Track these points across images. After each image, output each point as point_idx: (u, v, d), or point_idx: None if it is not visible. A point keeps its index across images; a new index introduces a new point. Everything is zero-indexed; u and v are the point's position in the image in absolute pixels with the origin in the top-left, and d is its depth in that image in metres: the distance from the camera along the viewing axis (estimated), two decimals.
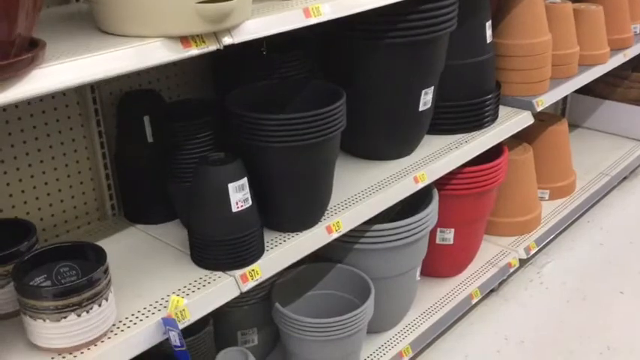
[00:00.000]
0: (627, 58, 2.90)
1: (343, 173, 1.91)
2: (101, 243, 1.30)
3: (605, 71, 2.76)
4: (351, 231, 1.78)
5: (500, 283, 2.62)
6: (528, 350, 2.30)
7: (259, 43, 1.75)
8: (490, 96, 2.18)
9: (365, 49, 1.79)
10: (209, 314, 1.73)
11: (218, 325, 1.84)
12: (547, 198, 2.90)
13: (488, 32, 2.12)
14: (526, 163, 2.62)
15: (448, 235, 2.32)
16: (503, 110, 2.33)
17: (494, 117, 2.25)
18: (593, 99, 3.57)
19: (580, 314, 2.47)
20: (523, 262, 2.66)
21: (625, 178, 3.34)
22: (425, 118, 1.99)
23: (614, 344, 2.29)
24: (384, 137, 1.96)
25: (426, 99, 1.91)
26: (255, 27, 1.33)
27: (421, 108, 1.91)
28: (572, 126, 3.67)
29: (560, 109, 3.69)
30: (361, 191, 1.83)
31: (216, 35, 1.27)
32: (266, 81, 1.72)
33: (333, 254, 1.98)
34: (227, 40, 1.29)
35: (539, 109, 2.35)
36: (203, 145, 1.57)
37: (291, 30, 1.42)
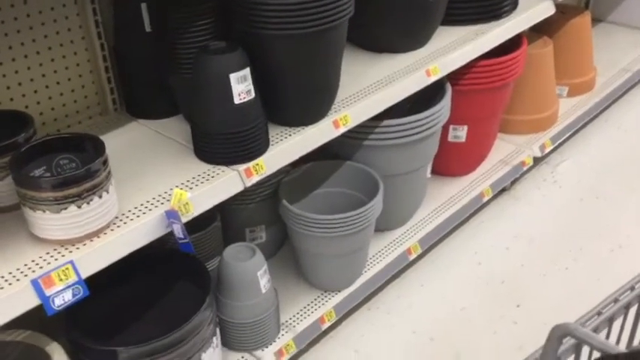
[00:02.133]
0: None
1: (352, 66, 1.84)
2: (102, 137, 1.26)
3: None
4: (359, 126, 1.73)
5: (513, 182, 2.58)
6: (537, 247, 2.30)
7: None
8: None
9: None
10: (216, 211, 1.73)
11: (226, 222, 1.83)
12: (565, 95, 2.80)
13: None
14: (545, 57, 2.51)
15: (461, 133, 2.26)
16: None
17: (514, 6, 2.13)
18: None
19: (593, 213, 2.44)
20: (537, 161, 2.61)
21: None
22: (438, 8, 1.88)
23: (625, 242, 2.27)
24: (394, 28, 1.86)
25: None
26: None
27: None
28: (596, 20, 3.51)
29: (584, 2, 3.50)
30: (370, 85, 1.76)
31: None
32: None
33: (341, 151, 1.94)
34: None
35: None
36: (204, 34, 1.50)
37: None
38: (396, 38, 1.89)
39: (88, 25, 1.60)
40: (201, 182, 1.41)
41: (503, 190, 2.54)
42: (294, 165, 1.75)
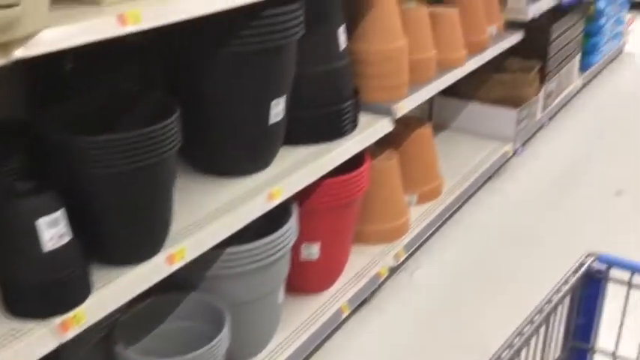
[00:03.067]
0: (484, 61, 2.93)
1: (189, 193, 1.75)
2: None
3: (463, 74, 2.77)
4: (201, 256, 1.63)
5: (374, 292, 2.55)
6: (404, 356, 2.25)
7: (82, 53, 1.55)
8: (348, 103, 2.09)
9: (202, 58, 1.64)
10: None
11: None
12: (415, 202, 2.87)
13: (342, 38, 2.03)
14: (391, 169, 2.57)
15: (314, 250, 2.22)
16: (363, 117, 2.25)
17: (354, 125, 2.17)
18: (458, 101, 3.61)
19: (453, 318, 2.45)
20: (394, 270, 2.61)
21: (490, 178, 3.39)
22: (277, 130, 1.86)
23: (489, 348, 2.28)
24: (234, 153, 1.81)
25: (277, 110, 1.79)
26: (54, 37, 1.15)
27: (272, 120, 1.78)
28: (440, 128, 3.71)
29: (427, 112, 3.71)
30: (209, 212, 1.67)
31: (3, 47, 1.07)
32: (90, 96, 1.53)
33: (186, 281, 1.82)
34: (19, 53, 1.10)
35: (399, 114, 2.29)
36: (11, 173, 1.36)
37: (124, 37, 1.25)
38: (236, 162, 1.84)
39: None
40: (9, 342, 1.23)
41: (364, 301, 2.50)
42: (133, 301, 1.60)
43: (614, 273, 1.24)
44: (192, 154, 1.76)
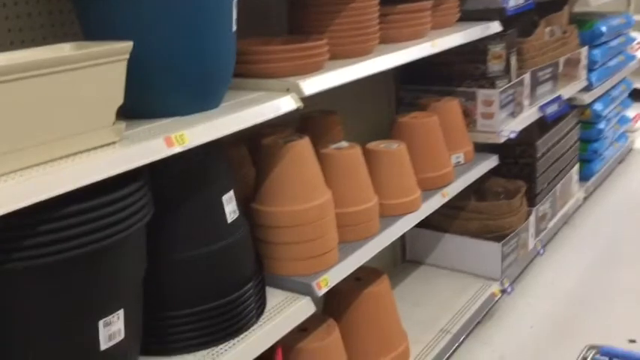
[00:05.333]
0: (447, 198, 2.45)
1: None
2: None
3: (418, 220, 2.28)
4: None
5: None
6: None
7: None
8: (245, 289, 1.61)
9: None
10: None
11: None
12: None
13: (229, 208, 1.58)
14: (329, 349, 2.04)
15: None
16: (274, 298, 1.77)
17: (258, 313, 1.68)
18: (432, 233, 3.11)
19: None
20: None
21: (471, 332, 2.83)
22: (117, 354, 1.36)
23: None
24: None
25: (112, 330, 1.30)
26: None
27: (105, 345, 1.29)
28: (415, 263, 3.19)
29: (400, 246, 3.21)
30: None
31: None
32: None
33: None
34: None
35: (322, 291, 1.80)
36: None
37: None
38: None
39: None
40: None
41: None
42: None
43: None
44: None
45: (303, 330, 2.07)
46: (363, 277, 2.38)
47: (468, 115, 2.84)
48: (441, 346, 2.54)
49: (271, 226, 1.79)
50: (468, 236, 3.02)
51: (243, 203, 1.84)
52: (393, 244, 3.06)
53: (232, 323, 1.59)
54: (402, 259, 3.24)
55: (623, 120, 4.78)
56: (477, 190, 3.21)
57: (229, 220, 1.57)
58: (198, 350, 1.54)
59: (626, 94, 4.73)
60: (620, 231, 3.80)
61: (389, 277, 3.07)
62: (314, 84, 1.70)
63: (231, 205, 1.58)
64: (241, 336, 1.61)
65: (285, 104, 1.58)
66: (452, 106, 2.71)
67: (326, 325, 2.12)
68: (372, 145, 2.24)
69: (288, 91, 1.63)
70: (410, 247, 3.22)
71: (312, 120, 2.31)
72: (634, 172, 4.76)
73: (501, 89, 2.80)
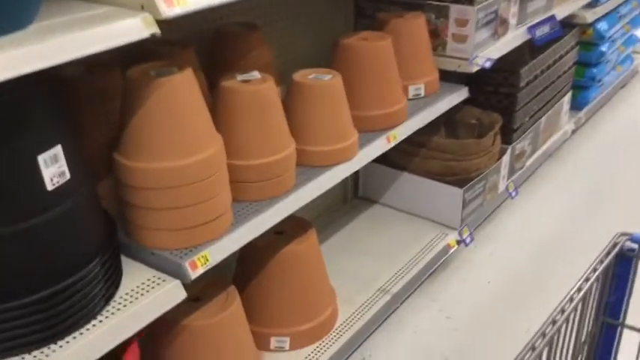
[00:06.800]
0: (394, 142, 2.01)
1: None
2: None
3: (352, 171, 1.85)
4: None
5: None
6: None
7: None
8: (78, 276, 1.22)
9: None
10: None
11: None
12: (287, 348, 1.99)
13: (52, 170, 1.15)
14: (223, 325, 1.68)
15: None
16: (134, 279, 1.38)
17: (103, 301, 1.29)
18: (389, 170, 2.70)
19: None
20: None
21: (422, 283, 2.48)
22: None
23: None
24: None
25: None
26: None
27: None
28: (367, 201, 2.81)
29: (352, 180, 2.80)
30: None
31: None
32: None
33: None
34: None
35: (197, 273, 1.40)
36: None
37: None
38: None
39: None
40: None
41: None
42: None
43: None
44: None
45: (196, 300, 1.71)
46: (286, 229, 1.99)
47: (438, 36, 2.35)
48: (376, 308, 2.19)
49: (135, 187, 1.37)
50: (427, 177, 2.60)
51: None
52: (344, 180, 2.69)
53: (54, 323, 1.20)
54: (354, 194, 2.85)
55: (631, 40, 4.23)
56: (446, 121, 2.77)
57: (50, 187, 1.15)
58: (11, 357, 1.17)
59: (637, 12, 4.16)
60: (610, 167, 3.38)
61: (336, 215, 2.75)
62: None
63: (56, 166, 1.15)
64: (74, 335, 1.23)
65: (130, 30, 1.12)
66: (416, 24, 2.22)
67: (225, 293, 1.75)
68: (297, 76, 1.77)
69: (142, 9, 1.16)
70: (363, 182, 2.82)
71: (226, 36, 1.84)
72: (636, 98, 4.28)
73: (480, 6, 2.28)
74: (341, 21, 2.47)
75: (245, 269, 1.95)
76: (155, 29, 1.14)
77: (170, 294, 1.35)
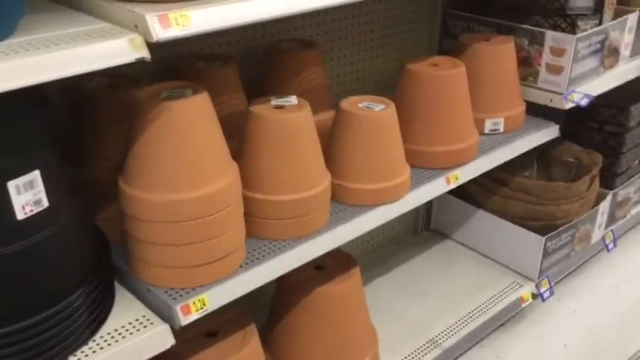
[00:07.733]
0: (455, 184, 1.78)
1: None
2: None
3: (401, 212, 1.64)
4: None
5: None
6: None
7: None
8: (56, 308, 1.13)
9: None
10: None
11: None
12: None
13: (24, 198, 1.06)
14: None
15: None
16: (124, 315, 1.27)
17: (81, 340, 1.19)
18: (465, 204, 2.45)
19: None
20: None
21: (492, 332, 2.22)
22: None
23: None
24: None
25: None
26: None
27: None
28: (439, 235, 2.57)
29: (425, 210, 2.58)
30: None
31: None
32: None
33: None
34: None
35: (190, 318, 1.27)
36: None
37: None
38: None
39: None
40: None
41: None
42: None
43: None
44: None
45: (211, 335, 1.59)
46: (327, 265, 1.83)
47: (530, 64, 2.07)
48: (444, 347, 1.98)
49: (133, 216, 1.26)
50: (507, 219, 2.33)
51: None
52: (415, 212, 2.48)
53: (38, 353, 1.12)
54: (426, 226, 2.62)
55: None
56: (540, 155, 2.48)
57: (21, 216, 1.05)
58: None
59: None
60: None
61: (401, 247, 2.54)
62: (195, 19, 1.08)
63: (30, 194, 1.06)
64: None
65: (114, 52, 0.99)
66: (502, 50, 1.96)
67: (243, 332, 1.61)
68: (345, 103, 1.59)
69: (136, 28, 1.04)
70: (436, 214, 2.58)
71: (277, 53, 1.69)
72: None
73: (582, 34, 1.99)
74: (424, 41, 2.25)
75: (277, 306, 1.81)
76: (144, 53, 1.02)
77: (155, 340, 1.23)
